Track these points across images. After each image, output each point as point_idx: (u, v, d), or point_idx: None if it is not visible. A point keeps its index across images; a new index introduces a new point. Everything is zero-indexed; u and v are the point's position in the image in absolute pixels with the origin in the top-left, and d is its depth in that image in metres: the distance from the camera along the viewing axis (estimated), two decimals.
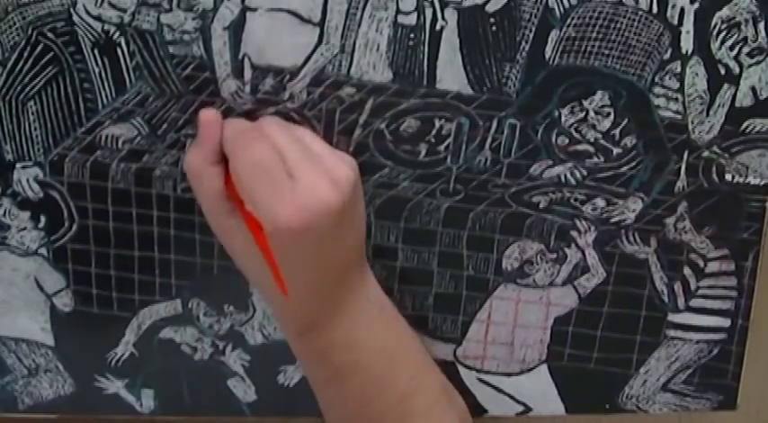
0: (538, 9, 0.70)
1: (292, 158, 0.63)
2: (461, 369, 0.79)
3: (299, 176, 0.62)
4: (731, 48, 0.73)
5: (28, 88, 0.69)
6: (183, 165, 0.69)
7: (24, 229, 0.73)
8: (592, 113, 0.73)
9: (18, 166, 0.71)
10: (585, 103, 0.73)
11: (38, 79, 0.69)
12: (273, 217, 0.61)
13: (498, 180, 0.74)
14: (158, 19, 0.68)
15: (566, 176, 0.74)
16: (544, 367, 0.80)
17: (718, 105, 0.74)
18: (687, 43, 0.72)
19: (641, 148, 0.74)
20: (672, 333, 0.80)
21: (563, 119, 0.73)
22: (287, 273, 0.64)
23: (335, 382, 0.70)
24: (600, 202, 0.75)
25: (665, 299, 0.78)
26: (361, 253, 0.69)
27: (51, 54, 0.69)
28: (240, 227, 0.67)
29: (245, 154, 0.63)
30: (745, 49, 0.73)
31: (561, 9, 0.70)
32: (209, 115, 0.67)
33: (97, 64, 0.69)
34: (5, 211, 0.72)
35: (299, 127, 0.68)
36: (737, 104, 0.74)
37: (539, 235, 0.76)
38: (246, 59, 0.69)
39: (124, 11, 0.68)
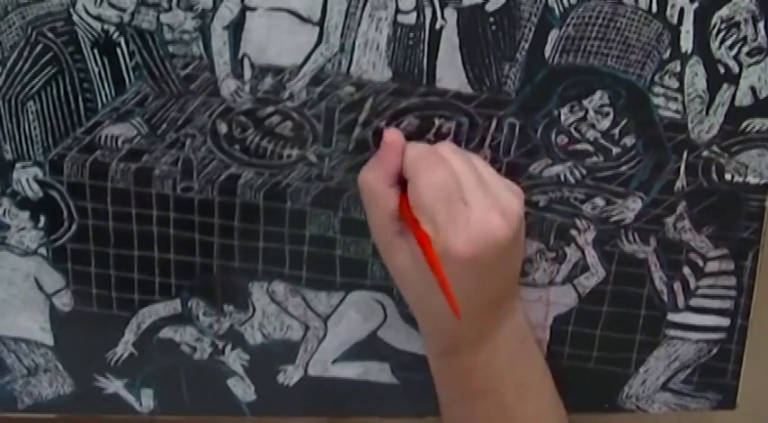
0: (537, 8, 0.70)
1: (469, 187, 0.65)
2: None
3: (473, 205, 0.64)
4: (731, 47, 0.73)
5: (27, 88, 0.69)
6: (359, 182, 0.70)
7: (24, 228, 0.73)
8: (591, 113, 0.73)
9: (18, 165, 0.71)
10: (585, 103, 0.73)
11: (37, 79, 0.69)
12: (446, 244, 0.63)
13: None
14: (158, 18, 0.68)
15: (565, 175, 0.74)
16: None
17: (718, 105, 0.74)
18: (687, 43, 0.72)
19: (641, 147, 0.74)
20: (671, 332, 0.80)
21: (562, 118, 0.73)
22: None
23: (465, 403, 0.71)
24: (599, 202, 0.75)
25: (665, 298, 0.78)
26: (516, 281, 0.71)
27: (51, 54, 0.69)
28: (407, 246, 0.67)
29: (428, 177, 0.65)
30: (745, 49, 0.73)
31: (561, 8, 0.70)
32: (394, 137, 0.68)
33: (97, 63, 0.69)
34: (5, 211, 0.72)
35: (472, 154, 0.69)
36: (737, 104, 0.74)
37: (538, 234, 0.76)
38: (246, 59, 0.69)
39: (124, 10, 0.68)
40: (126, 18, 0.68)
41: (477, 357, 0.70)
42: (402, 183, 0.68)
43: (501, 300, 0.70)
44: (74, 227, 0.73)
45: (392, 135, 0.68)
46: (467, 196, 0.64)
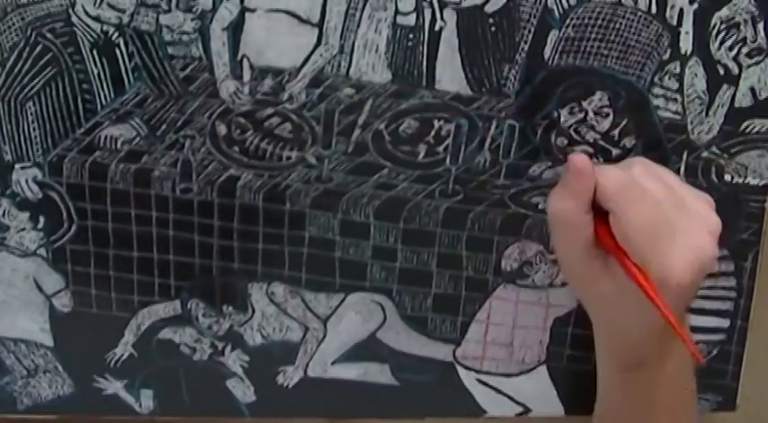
0: (537, 9, 0.70)
1: (672, 212, 0.65)
2: (460, 370, 0.79)
3: (682, 231, 0.64)
4: (730, 48, 0.72)
5: (27, 89, 0.69)
6: (550, 213, 0.69)
7: (23, 229, 0.73)
8: (591, 114, 0.73)
9: (17, 166, 0.71)
10: (585, 104, 0.73)
11: (37, 80, 0.69)
12: (665, 274, 0.64)
13: (497, 181, 0.74)
14: (157, 20, 0.68)
15: None
16: (543, 368, 0.80)
17: (718, 106, 0.74)
18: (686, 44, 0.72)
19: (640, 148, 0.74)
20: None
21: (562, 119, 0.73)
22: None
23: (642, 416, 0.72)
24: None
25: None
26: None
27: (50, 55, 0.69)
28: (608, 273, 0.68)
29: (635, 213, 0.65)
30: (745, 50, 0.73)
31: (560, 9, 0.70)
32: (583, 165, 0.68)
33: (96, 65, 0.69)
34: (4, 212, 0.72)
35: (665, 171, 0.69)
36: (737, 105, 0.74)
37: (538, 236, 0.76)
38: (245, 60, 0.69)
39: (123, 11, 0.68)
40: (125, 19, 0.68)
41: (660, 371, 0.71)
42: (595, 208, 0.68)
43: (685, 313, 0.71)
44: (73, 228, 0.73)
45: (582, 162, 0.68)
46: (672, 222, 0.65)
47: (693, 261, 0.64)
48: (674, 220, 0.65)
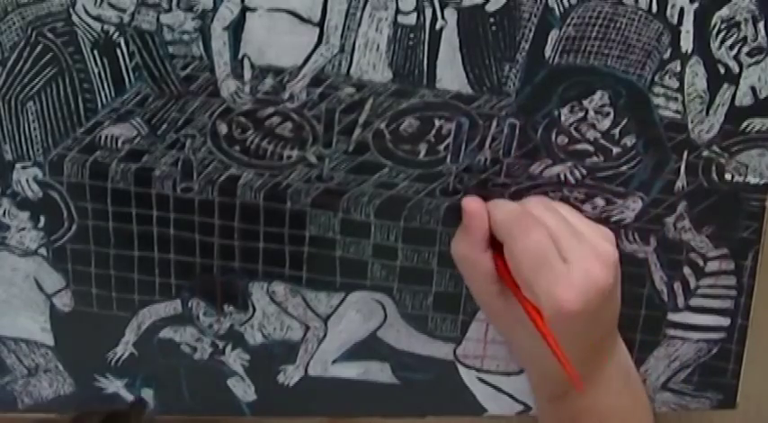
0: (537, 9, 0.70)
1: (565, 242, 0.66)
2: (461, 368, 0.79)
3: (573, 260, 0.65)
4: (731, 47, 0.73)
5: (27, 88, 0.69)
6: (453, 254, 0.72)
7: (24, 229, 0.73)
8: (591, 113, 0.73)
9: (18, 166, 0.71)
10: (585, 103, 0.73)
11: (37, 79, 0.69)
12: (554, 303, 0.64)
13: (498, 179, 0.74)
14: (158, 19, 0.68)
15: (565, 176, 0.74)
16: None
17: (718, 105, 0.74)
18: (687, 43, 0.72)
19: (641, 147, 0.74)
20: (671, 332, 0.80)
21: (563, 118, 0.73)
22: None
23: None
24: (599, 202, 0.75)
25: (665, 298, 0.79)
26: (616, 321, 0.71)
27: (51, 54, 0.69)
28: (510, 305, 0.69)
29: (524, 242, 0.66)
30: (745, 49, 0.73)
31: (561, 8, 0.70)
32: (474, 206, 0.70)
33: (96, 64, 0.69)
34: (5, 211, 0.72)
35: (561, 204, 0.71)
36: (737, 104, 0.74)
37: None
38: (246, 59, 0.69)
39: (123, 11, 0.68)
40: (126, 18, 0.68)
41: (586, 400, 0.71)
42: (494, 242, 0.69)
43: (603, 340, 0.71)
44: (74, 227, 0.73)
45: (473, 204, 0.70)
46: (564, 252, 0.65)
47: (582, 288, 0.64)
48: (564, 248, 0.65)
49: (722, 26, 0.72)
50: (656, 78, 0.73)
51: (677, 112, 0.74)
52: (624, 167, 0.75)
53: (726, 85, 0.73)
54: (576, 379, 0.64)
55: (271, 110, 0.71)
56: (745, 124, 0.75)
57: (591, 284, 0.65)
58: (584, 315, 0.64)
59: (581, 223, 0.69)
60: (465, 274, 0.73)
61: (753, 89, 0.74)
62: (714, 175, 0.76)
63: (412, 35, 0.70)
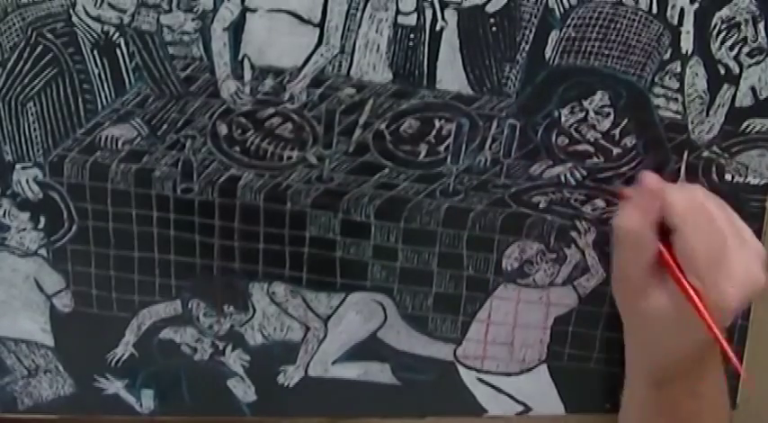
0: (538, 9, 0.70)
1: (732, 240, 0.68)
2: (461, 369, 0.79)
3: (739, 259, 0.68)
4: (731, 48, 0.72)
5: (27, 89, 0.69)
6: (616, 226, 0.71)
7: (24, 229, 0.73)
8: (592, 113, 0.73)
9: (18, 166, 0.71)
10: (585, 104, 0.73)
11: (37, 80, 0.69)
12: (720, 297, 0.67)
13: (498, 180, 0.74)
14: (158, 20, 0.68)
15: (566, 177, 0.74)
16: (544, 367, 0.80)
17: (718, 105, 0.74)
18: (687, 43, 0.72)
19: (641, 148, 0.74)
20: None
21: (563, 119, 0.73)
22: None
23: None
24: (600, 203, 0.75)
25: None
26: None
27: (51, 55, 0.68)
28: (662, 289, 0.70)
29: (699, 235, 0.68)
30: (745, 50, 0.73)
31: (561, 9, 0.70)
32: (655, 183, 0.71)
33: (97, 65, 0.69)
34: (5, 212, 0.72)
35: (721, 201, 0.71)
36: (737, 104, 0.74)
37: (539, 235, 0.76)
38: (246, 60, 0.69)
39: (124, 12, 0.68)
40: (126, 19, 0.68)
41: (688, 383, 0.73)
42: (660, 227, 0.70)
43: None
44: (74, 228, 0.73)
45: (653, 181, 0.71)
46: (731, 250, 0.68)
47: (747, 288, 0.67)
48: (732, 247, 0.68)
49: (722, 27, 0.72)
50: (657, 79, 0.73)
51: (677, 112, 0.74)
52: (624, 168, 0.75)
53: (726, 86, 0.73)
54: (736, 363, 0.67)
55: (271, 111, 0.71)
56: (745, 125, 0.75)
57: (754, 285, 0.68)
58: (739, 310, 0.68)
59: (741, 222, 0.71)
60: (624, 248, 0.72)
61: (753, 90, 0.74)
62: (714, 176, 0.76)
63: (412, 36, 0.70)
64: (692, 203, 0.69)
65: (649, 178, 0.71)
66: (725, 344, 0.66)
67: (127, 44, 0.68)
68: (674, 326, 0.69)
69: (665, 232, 0.69)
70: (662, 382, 0.73)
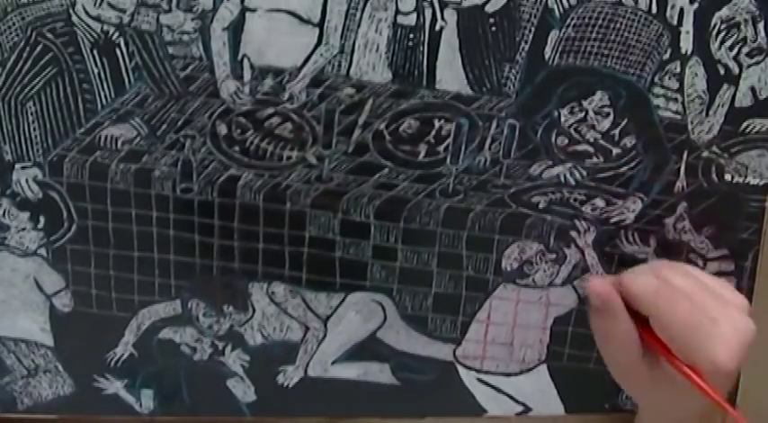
0: (537, 9, 0.70)
1: (707, 304, 0.67)
2: (461, 369, 0.79)
3: (720, 319, 0.66)
4: (731, 48, 0.73)
5: (27, 89, 0.69)
6: (595, 331, 0.70)
7: (24, 229, 0.73)
8: (591, 114, 0.73)
9: (17, 166, 0.71)
10: (585, 104, 0.73)
11: (37, 80, 0.69)
12: (714, 363, 0.66)
13: (498, 180, 0.74)
14: (158, 19, 0.68)
15: (565, 177, 0.74)
16: (544, 367, 0.80)
17: (718, 105, 0.74)
18: (686, 43, 0.72)
19: (641, 148, 0.74)
20: None
21: (562, 119, 0.73)
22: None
23: None
24: (599, 203, 0.75)
25: None
26: None
27: (50, 55, 0.69)
28: (652, 370, 0.70)
29: (672, 314, 0.67)
30: (745, 50, 0.73)
31: (561, 9, 0.70)
32: (604, 289, 0.68)
33: (96, 64, 0.69)
34: (5, 212, 0.72)
35: (689, 267, 0.70)
36: (737, 104, 0.74)
37: (538, 235, 0.76)
38: (246, 60, 0.69)
39: (123, 11, 0.68)
40: (126, 19, 0.68)
41: None
42: (633, 313, 0.69)
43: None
44: (73, 228, 0.73)
45: (600, 287, 0.69)
46: (711, 314, 0.67)
47: (737, 344, 0.67)
48: (710, 310, 0.67)
49: (722, 27, 0.72)
50: (656, 79, 0.73)
51: (677, 112, 0.74)
52: (624, 168, 0.75)
53: (725, 86, 0.73)
54: (734, 412, 0.67)
55: (270, 110, 0.71)
56: (744, 125, 0.75)
57: (742, 338, 0.67)
58: (737, 367, 0.67)
59: (710, 280, 0.70)
60: (607, 347, 0.72)
61: (752, 90, 0.74)
62: (714, 176, 0.76)
63: (411, 36, 0.70)
64: (654, 285, 0.68)
65: (597, 285, 0.69)
66: (730, 410, 0.66)
67: (126, 44, 0.68)
68: (679, 398, 0.69)
69: (640, 317, 0.68)
70: None
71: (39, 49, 0.68)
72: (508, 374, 0.80)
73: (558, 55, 0.71)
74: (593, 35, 0.71)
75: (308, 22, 0.69)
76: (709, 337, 0.66)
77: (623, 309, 0.68)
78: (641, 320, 0.68)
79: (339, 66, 0.70)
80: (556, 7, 0.70)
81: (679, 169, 0.75)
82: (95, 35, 0.68)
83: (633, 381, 0.73)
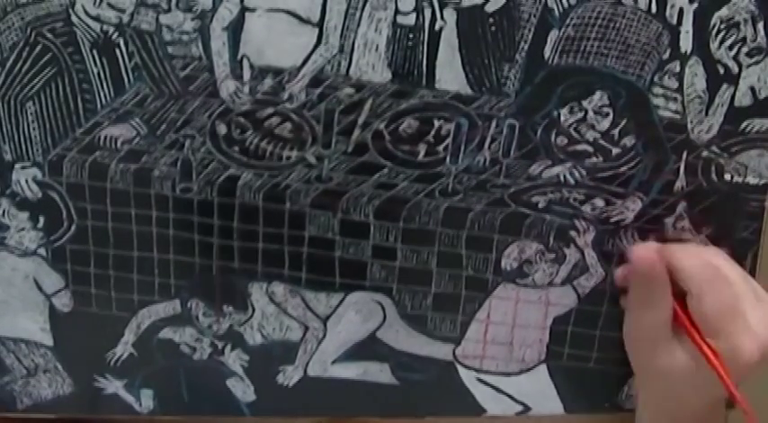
0: (537, 9, 0.70)
1: (746, 296, 0.69)
2: (460, 369, 0.79)
3: (754, 316, 0.69)
4: (730, 47, 0.72)
5: (27, 89, 0.69)
6: (629, 300, 0.73)
7: (23, 229, 0.73)
8: (591, 113, 0.73)
9: (17, 166, 0.71)
10: (585, 103, 0.73)
11: (36, 80, 0.69)
12: (737, 355, 0.68)
13: (497, 180, 0.74)
14: (157, 19, 0.68)
15: (565, 176, 0.74)
16: (543, 367, 0.80)
17: (718, 105, 0.74)
18: (686, 43, 0.72)
19: (640, 147, 0.74)
20: None
21: (562, 119, 0.73)
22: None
23: None
24: (599, 202, 0.75)
25: None
26: None
27: (50, 54, 0.69)
28: (676, 347, 0.71)
29: (713, 295, 0.69)
30: (744, 49, 0.73)
31: (560, 9, 0.70)
32: (652, 258, 0.71)
33: (96, 64, 0.69)
34: (4, 212, 0.72)
35: (732, 262, 0.73)
36: (736, 104, 0.74)
37: (538, 235, 0.76)
38: (245, 60, 0.69)
39: (123, 11, 0.68)
40: (125, 19, 0.68)
41: None
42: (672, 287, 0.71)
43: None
44: (73, 227, 0.73)
45: (649, 255, 0.71)
46: (745, 306, 0.69)
47: (763, 344, 0.68)
48: (747, 304, 0.69)
49: (721, 26, 0.72)
50: (656, 79, 0.73)
51: (676, 112, 0.74)
52: (623, 168, 0.75)
53: (725, 86, 0.73)
54: (743, 403, 0.68)
55: (270, 110, 0.71)
56: (744, 125, 0.75)
57: None
58: (758, 364, 0.68)
59: (751, 279, 0.72)
60: (638, 309, 0.73)
61: (752, 89, 0.74)
62: (713, 176, 0.76)
63: (411, 35, 0.70)
64: (700, 263, 0.70)
65: (644, 252, 0.71)
66: (745, 404, 0.67)
67: (126, 44, 0.68)
68: (692, 382, 0.70)
69: (677, 292, 0.70)
70: None
71: (38, 48, 0.68)
72: (508, 374, 0.80)
73: (557, 55, 0.71)
74: (593, 35, 0.71)
75: (307, 21, 0.69)
76: (740, 327, 0.68)
77: (666, 276, 0.70)
78: (675, 294, 0.70)
79: (339, 65, 0.70)
80: (555, 7, 0.70)
81: (678, 169, 0.75)
82: (95, 35, 0.68)
83: (652, 356, 0.73)
